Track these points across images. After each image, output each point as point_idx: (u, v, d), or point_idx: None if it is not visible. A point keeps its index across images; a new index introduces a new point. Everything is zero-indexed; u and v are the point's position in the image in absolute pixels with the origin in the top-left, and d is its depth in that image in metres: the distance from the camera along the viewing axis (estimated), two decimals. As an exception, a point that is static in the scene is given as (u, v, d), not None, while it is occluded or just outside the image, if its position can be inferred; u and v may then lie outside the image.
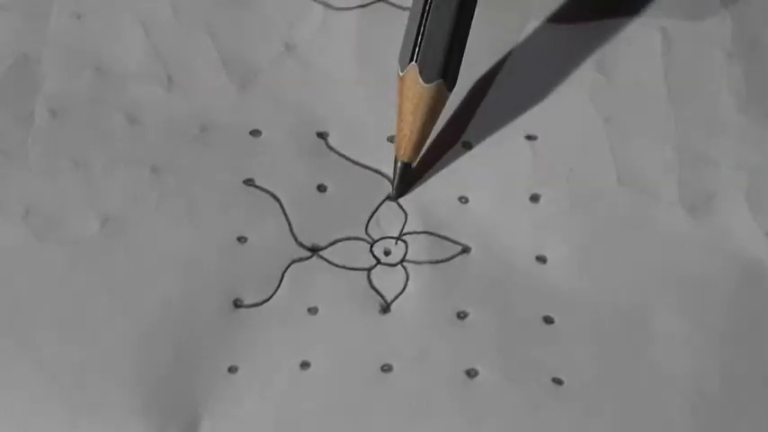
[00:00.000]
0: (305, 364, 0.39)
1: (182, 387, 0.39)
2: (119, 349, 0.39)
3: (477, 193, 0.42)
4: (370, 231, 0.41)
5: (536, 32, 0.45)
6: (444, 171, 0.42)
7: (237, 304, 0.40)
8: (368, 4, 0.45)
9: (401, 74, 0.42)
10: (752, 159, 0.42)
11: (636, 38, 0.44)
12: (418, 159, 0.42)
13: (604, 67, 0.43)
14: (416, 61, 0.41)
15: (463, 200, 0.42)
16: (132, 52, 0.44)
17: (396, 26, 0.43)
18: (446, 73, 0.41)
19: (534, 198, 0.42)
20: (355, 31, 0.44)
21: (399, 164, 0.42)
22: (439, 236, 0.41)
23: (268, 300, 0.40)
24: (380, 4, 0.45)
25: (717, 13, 0.45)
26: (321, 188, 0.42)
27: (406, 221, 0.41)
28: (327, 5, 0.45)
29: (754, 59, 0.44)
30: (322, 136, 0.43)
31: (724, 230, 0.41)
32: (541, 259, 0.41)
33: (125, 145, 0.42)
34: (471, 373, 0.39)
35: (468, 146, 0.43)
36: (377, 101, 0.43)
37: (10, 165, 0.42)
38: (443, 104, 0.42)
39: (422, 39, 0.41)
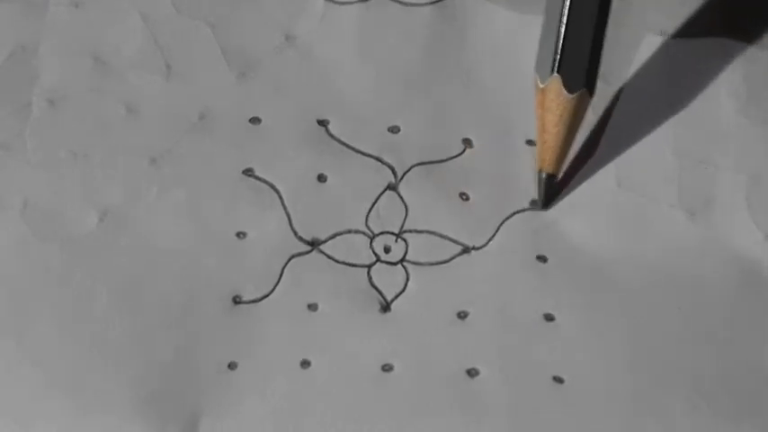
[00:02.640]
0: (305, 363, 0.39)
1: (181, 384, 0.39)
2: (118, 347, 0.39)
3: (476, 192, 0.41)
4: (370, 223, 0.41)
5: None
6: (445, 166, 0.42)
7: (237, 300, 0.40)
8: (368, -1, 0.45)
9: (541, 85, 0.41)
10: (751, 162, 0.42)
11: (635, 41, 0.43)
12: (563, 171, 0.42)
13: (604, 71, 0.42)
14: (559, 71, 0.40)
15: (464, 197, 0.41)
16: (131, 41, 0.43)
17: (397, 20, 0.43)
18: (590, 80, 0.41)
19: (535, 203, 0.41)
20: (356, 24, 0.44)
21: (544, 176, 0.41)
22: (440, 235, 0.41)
23: (268, 295, 0.40)
24: (382, -2, 0.45)
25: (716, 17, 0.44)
26: (321, 178, 0.42)
27: (406, 216, 0.41)
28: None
29: (754, 62, 0.43)
30: (323, 123, 0.43)
31: (724, 233, 0.41)
32: (542, 259, 0.41)
33: (123, 135, 0.42)
34: (472, 373, 0.39)
35: (469, 143, 0.42)
36: (377, 90, 0.43)
37: (7, 157, 0.41)
38: (585, 112, 0.41)
39: (563, 48, 0.40)
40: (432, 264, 0.41)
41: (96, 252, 0.40)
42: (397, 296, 0.40)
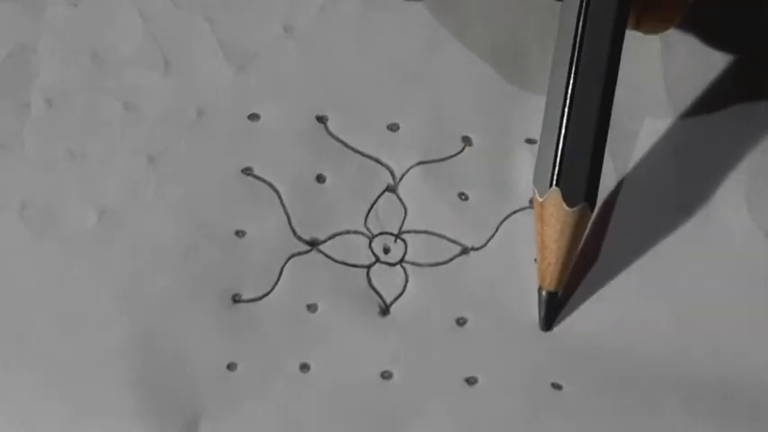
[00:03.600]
0: (304, 366, 0.39)
1: (181, 385, 0.39)
2: (117, 347, 0.39)
3: (475, 192, 0.41)
4: (369, 224, 0.41)
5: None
6: (444, 165, 0.42)
7: (236, 299, 0.40)
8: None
9: (540, 199, 0.39)
10: (751, 161, 0.42)
11: (635, 43, 0.43)
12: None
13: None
14: (557, 185, 0.39)
15: (463, 197, 0.41)
16: (129, 37, 0.43)
17: (396, 13, 0.43)
18: (590, 194, 0.39)
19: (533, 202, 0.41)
20: (356, 17, 0.43)
21: (545, 294, 0.40)
22: (439, 236, 0.41)
23: (267, 294, 0.40)
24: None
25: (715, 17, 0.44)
26: (320, 178, 0.42)
27: (405, 217, 0.41)
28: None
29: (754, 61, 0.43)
30: (321, 120, 0.42)
31: (723, 231, 0.41)
32: (542, 260, 0.41)
33: (122, 133, 0.42)
34: (471, 381, 0.39)
35: (468, 141, 0.42)
36: (377, 86, 0.43)
37: (6, 156, 0.41)
38: (587, 226, 0.40)
39: (562, 160, 0.38)
40: (431, 264, 0.41)
41: (95, 251, 0.40)
42: (396, 299, 0.40)
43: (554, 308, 0.40)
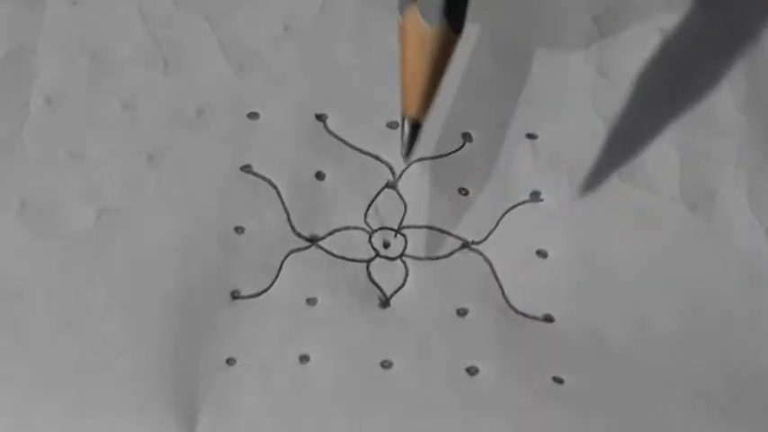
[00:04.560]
0: (304, 358, 0.39)
1: (180, 380, 0.39)
2: (117, 343, 0.39)
3: (475, 187, 0.41)
4: (369, 220, 0.41)
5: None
6: (444, 161, 0.42)
7: (235, 295, 0.40)
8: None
9: (401, 20, 0.38)
10: (752, 157, 0.42)
11: (635, 39, 0.43)
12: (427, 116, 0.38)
13: (605, 67, 0.42)
14: (416, 1, 0.37)
15: (463, 191, 0.41)
16: (128, 36, 0.43)
17: (395, 12, 0.43)
18: (451, 12, 0.37)
19: (535, 194, 0.41)
20: (355, 16, 0.43)
21: (407, 121, 0.38)
22: (439, 230, 0.41)
23: (266, 290, 0.40)
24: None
25: (715, 15, 0.44)
26: (319, 176, 0.42)
27: (405, 213, 0.41)
28: (327, -8, 0.44)
29: (755, 59, 0.43)
30: (321, 118, 0.42)
31: (725, 227, 0.41)
32: (542, 254, 0.40)
33: (121, 133, 0.42)
34: (472, 371, 0.39)
35: (468, 137, 0.42)
36: (376, 84, 0.43)
37: (5, 156, 0.41)
38: (451, 51, 0.38)
39: None
40: (431, 258, 0.41)
41: (94, 249, 0.40)
42: (396, 291, 0.40)
43: (415, 135, 0.38)
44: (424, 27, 0.37)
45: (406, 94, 0.38)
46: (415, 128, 0.38)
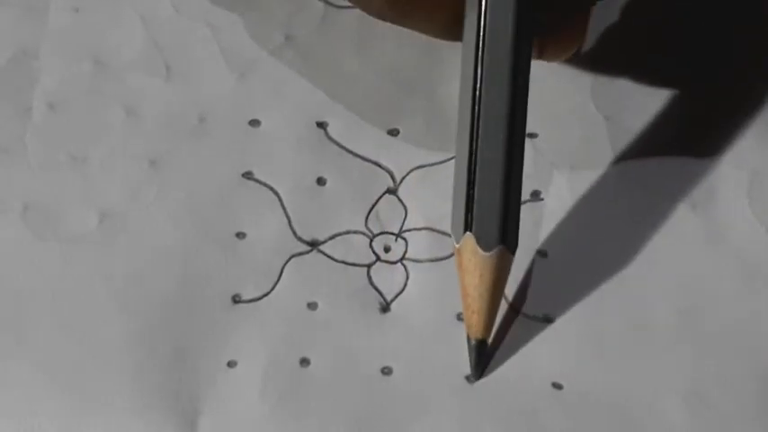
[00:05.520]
0: (304, 361, 0.39)
1: (181, 383, 0.39)
2: (118, 346, 0.39)
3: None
4: (369, 225, 0.41)
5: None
6: (444, 167, 0.42)
7: (236, 300, 0.40)
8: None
9: (457, 245, 0.38)
10: (753, 157, 0.42)
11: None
12: (492, 334, 0.39)
13: (605, 67, 0.43)
14: (471, 230, 0.37)
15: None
16: (131, 43, 0.43)
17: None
18: (506, 236, 0.37)
19: (535, 194, 0.41)
20: (356, 27, 0.44)
21: (473, 342, 0.39)
22: (440, 231, 0.41)
23: (267, 294, 0.40)
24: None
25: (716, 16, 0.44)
26: (320, 181, 0.42)
27: (405, 217, 0.41)
28: (328, 3, 0.44)
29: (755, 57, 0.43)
30: (322, 126, 0.43)
31: (725, 227, 0.41)
32: (542, 254, 0.41)
33: (123, 138, 0.42)
34: (470, 378, 0.39)
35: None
36: (377, 92, 0.43)
37: (8, 160, 0.42)
38: (508, 271, 0.38)
39: (471, 205, 0.37)
40: (431, 260, 0.41)
41: (96, 252, 0.40)
42: (396, 296, 0.40)
43: (484, 355, 0.39)
44: (481, 255, 0.37)
45: (471, 318, 0.38)
46: (482, 346, 0.39)
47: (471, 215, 0.37)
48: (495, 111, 0.37)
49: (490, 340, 0.39)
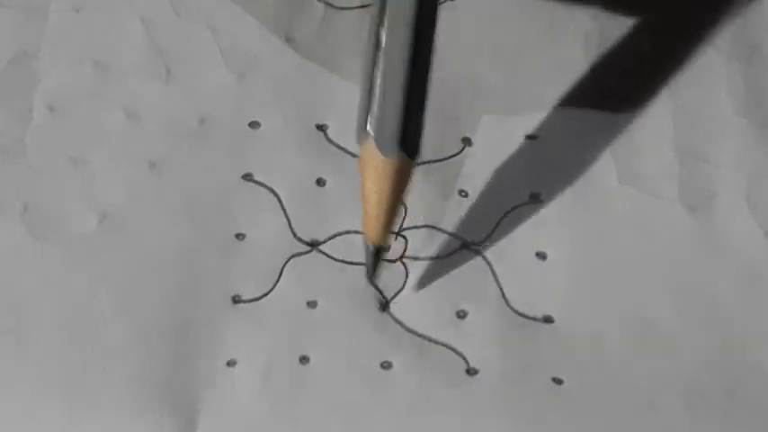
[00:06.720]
0: (304, 359, 0.39)
1: (180, 382, 0.39)
2: (118, 346, 0.39)
3: (475, 189, 0.41)
4: (369, 225, 0.41)
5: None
6: (444, 164, 0.42)
7: (236, 300, 0.40)
8: (368, 5, 0.45)
9: (358, 148, 0.38)
10: (751, 160, 0.42)
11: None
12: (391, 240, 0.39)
13: (604, 67, 0.43)
14: (371, 133, 0.37)
15: (463, 194, 0.41)
16: (131, 45, 0.43)
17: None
18: (405, 141, 0.37)
19: (534, 196, 0.41)
20: (356, 28, 0.44)
21: (371, 249, 0.38)
22: (439, 230, 0.41)
23: (267, 294, 0.40)
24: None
25: (717, 17, 0.44)
26: (320, 182, 0.42)
27: (405, 215, 0.41)
28: (329, 4, 0.44)
29: (754, 63, 0.43)
30: (321, 128, 0.43)
31: (724, 230, 0.41)
32: (542, 255, 0.41)
33: (123, 140, 0.42)
34: (471, 372, 0.39)
35: (468, 142, 0.42)
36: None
37: (8, 162, 0.42)
38: (409, 177, 0.38)
39: (372, 108, 0.37)
40: (431, 258, 0.41)
41: (96, 254, 0.40)
42: (396, 294, 0.40)
43: (380, 259, 0.38)
44: (381, 159, 0.37)
45: (369, 225, 0.38)
46: (380, 253, 0.38)
47: (371, 117, 0.37)
48: (401, 17, 0.37)
49: (389, 246, 0.39)
